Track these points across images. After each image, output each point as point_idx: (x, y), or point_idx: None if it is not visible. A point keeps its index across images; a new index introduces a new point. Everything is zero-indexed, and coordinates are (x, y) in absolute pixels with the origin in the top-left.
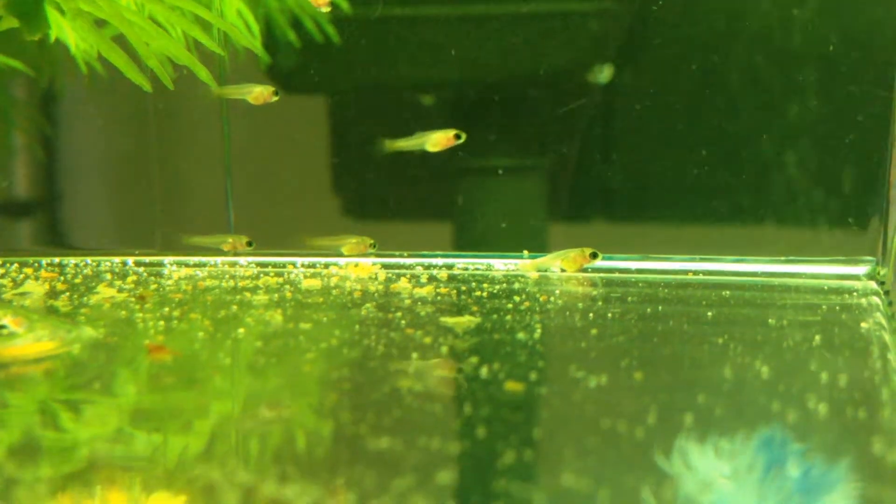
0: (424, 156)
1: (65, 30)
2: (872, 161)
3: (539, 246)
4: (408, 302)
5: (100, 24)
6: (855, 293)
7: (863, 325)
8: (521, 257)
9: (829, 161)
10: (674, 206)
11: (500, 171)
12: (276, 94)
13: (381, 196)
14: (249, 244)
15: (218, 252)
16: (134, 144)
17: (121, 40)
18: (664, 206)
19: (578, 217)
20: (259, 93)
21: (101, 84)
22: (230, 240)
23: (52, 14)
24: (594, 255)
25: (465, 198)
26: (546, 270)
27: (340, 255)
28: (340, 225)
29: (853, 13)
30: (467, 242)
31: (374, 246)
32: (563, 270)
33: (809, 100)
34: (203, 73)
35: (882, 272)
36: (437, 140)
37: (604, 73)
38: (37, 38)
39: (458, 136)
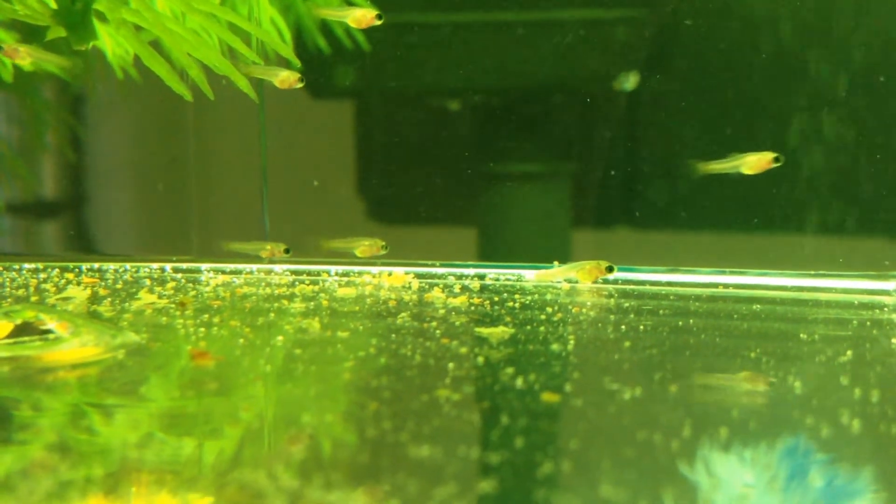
0: (454, 162)
1: (102, 36)
2: None
3: (564, 253)
4: (442, 312)
5: (137, 30)
6: (885, 308)
7: (894, 340)
8: (552, 268)
9: (860, 175)
10: (700, 217)
11: (527, 177)
12: (301, 80)
13: (413, 202)
14: (287, 251)
15: (254, 259)
16: (171, 150)
17: (157, 48)
18: (690, 216)
19: (603, 225)
20: (286, 77)
21: (138, 90)
22: (268, 247)
23: (105, 12)
24: (609, 269)
25: (493, 203)
26: (575, 282)
27: (374, 263)
28: (376, 231)
29: (885, 23)
30: (493, 247)
31: (386, 248)
32: (576, 282)
33: (841, 112)
34: (242, 83)
35: None
36: (754, 163)
37: (630, 81)
38: (84, 48)
39: (776, 160)
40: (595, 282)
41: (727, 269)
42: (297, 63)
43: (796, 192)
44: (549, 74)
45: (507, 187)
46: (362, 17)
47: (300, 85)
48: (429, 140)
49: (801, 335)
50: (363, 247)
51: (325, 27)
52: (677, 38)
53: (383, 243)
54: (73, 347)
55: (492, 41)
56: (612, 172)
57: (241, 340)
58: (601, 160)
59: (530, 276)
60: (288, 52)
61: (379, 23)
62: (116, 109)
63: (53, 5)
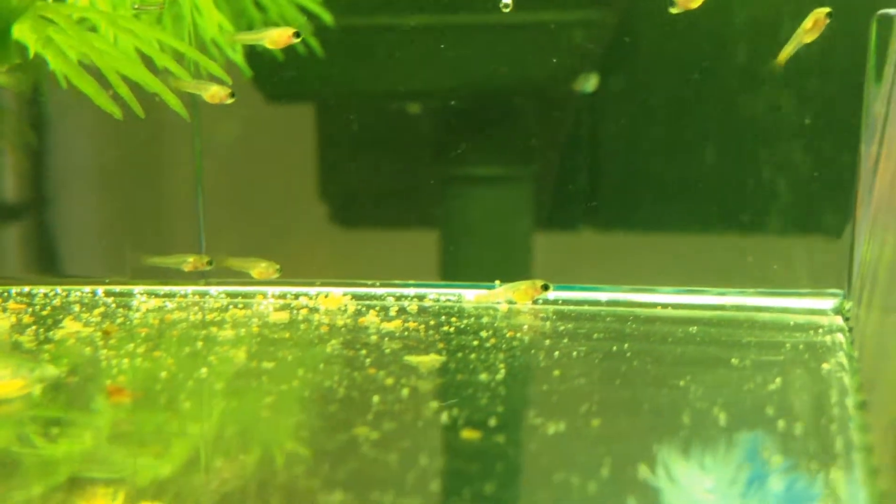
0: (406, 165)
1: (41, 50)
2: (841, 191)
3: (523, 256)
4: (374, 338)
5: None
6: (821, 329)
7: (825, 365)
8: (493, 287)
9: (801, 189)
10: (647, 225)
11: (484, 181)
12: (232, 95)
13: (362, 207)
14: (210, 263)
15: (189, 280)
16: (104, 166)
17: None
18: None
19: (558, 227)
20: (215, 92)
21: (74, 102)
22: (191, 259)
23: (29, 31)
24: (545, 287)
25: (449, 206)
26: (513, 303)
27: (311, 284)
28: (318, 243)
29: (827, 35)
30: (451, 251)
31: (279, 271)
32: (509, 303)
33: (785, 129)
34: (172, 101)
35: (847, 307)
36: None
37: (589, 82)
38: (4, 69)
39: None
40: (535, 301)
41: (667, 288)
42: (248, 70)
43: (738, 207)
44: (507, 77)
45: (466, 189)
46: (279, 37)
47: (231, 100)
48: (377, 147)
49: (733, 360)
50: (259, 269)
51: None
52: (637, 39)
53: (278, 266)
54: None
55: (449, 43)
56: (566, 180)
57: (164, 373)
58: (558, 164)
59: (470, 297)
60: (213, 70)
61: (297, 41)
62: (57, 120)
63: None
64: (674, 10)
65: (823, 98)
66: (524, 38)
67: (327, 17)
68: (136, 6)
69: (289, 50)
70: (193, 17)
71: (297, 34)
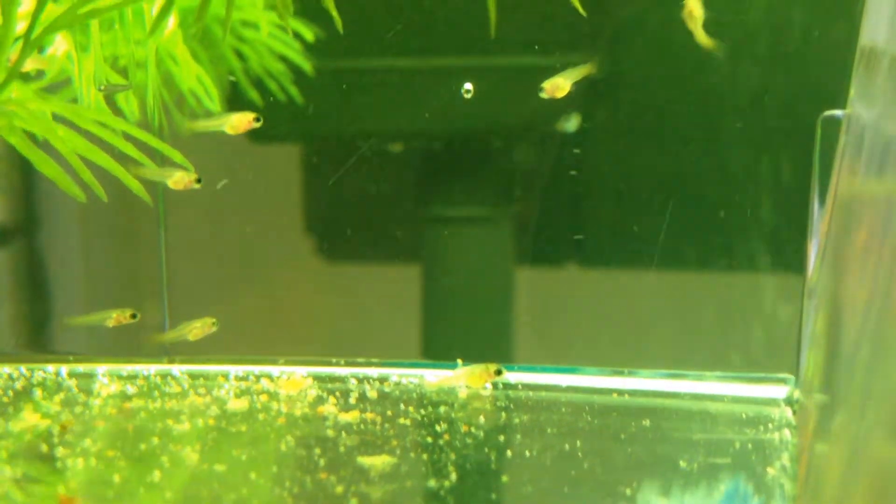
0: (387, 206)
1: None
2: (793, 275)
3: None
4: (330, 432)
5: None
6: (770, 425)
7: (769, 470)
8: (455, 366)
9: (753, 273)
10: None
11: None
12: (198, 180)
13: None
14: (133, 317)
15: (148, 358)
16: (59, 238)
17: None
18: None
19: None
20: (179, 178)
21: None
22: (114, 315)
23: None
24: (498, 372)
25: (432, 247)
26: (469, 387)
27: (273, 362)
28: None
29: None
30: (435, 297)
31: (216, 324)
32: (468, 387)
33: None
34: (135, 186)
35: (795, 397)
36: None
37: (570, 122)
38: None
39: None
40: (495, 386)
41: (625, 370)
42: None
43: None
44: (488, 120)
45: (448, 230)
46: (239, 122)
47: (198, 185)
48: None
49: (682, 463)
50: (194, 330)
51: (259, 82)
52: (616, 79)
53: (214, 320)
54: None
55: (429, 86)
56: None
57: (116, 477)
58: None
59: (431, 379)
60: (175, 158)
61: (258, 125)
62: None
63: None
64: (543, 95)
65: (777, 189)
66: (507, 80)
67: (307, 66)
68: (102, 88)
69: (268, 97)
70: (170, 68)
71: (257, 118)
